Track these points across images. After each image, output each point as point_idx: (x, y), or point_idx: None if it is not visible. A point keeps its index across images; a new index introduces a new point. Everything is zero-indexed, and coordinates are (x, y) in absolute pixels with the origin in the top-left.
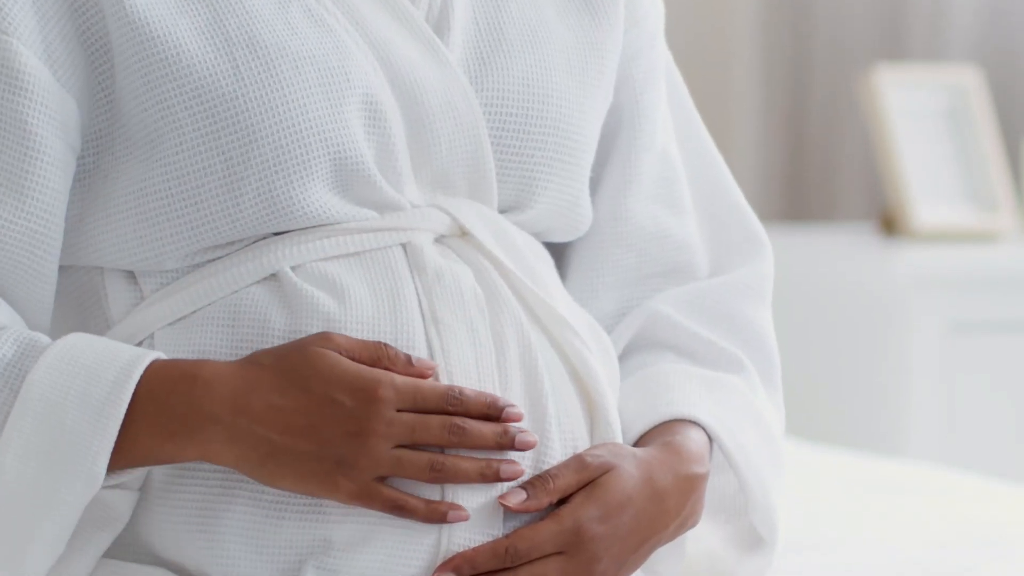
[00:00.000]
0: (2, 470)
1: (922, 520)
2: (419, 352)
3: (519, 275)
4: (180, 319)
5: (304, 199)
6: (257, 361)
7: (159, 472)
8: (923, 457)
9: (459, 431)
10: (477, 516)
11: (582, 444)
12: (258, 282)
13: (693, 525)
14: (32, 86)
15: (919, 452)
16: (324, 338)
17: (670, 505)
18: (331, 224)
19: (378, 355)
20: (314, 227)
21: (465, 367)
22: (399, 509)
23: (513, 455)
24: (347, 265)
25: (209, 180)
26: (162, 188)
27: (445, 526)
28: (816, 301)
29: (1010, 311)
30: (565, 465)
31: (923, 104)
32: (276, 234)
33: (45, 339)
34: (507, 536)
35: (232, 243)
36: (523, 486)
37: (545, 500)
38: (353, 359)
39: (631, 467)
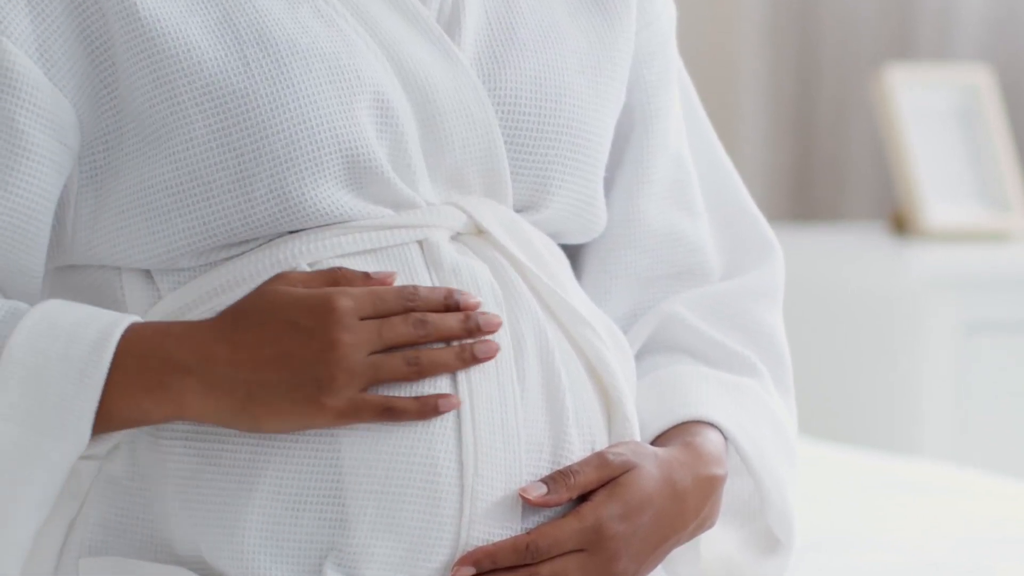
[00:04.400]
0: None
1: (936, 519)
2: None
3: (536, 271)
4: (197, 316)
5: (316, 196)
6: (223, 312)
7: (178, 468)
8: (936, 456)
9: (423, 324)
10: (496, 510)
11: (600, 439)
12: None
13: (711, 526)
14: (21, 84)
15: (932, 452)
16: (278, 276)
17: (689, 505)
18: (346, 222)
19: (334, 277)
20: (330, 224)
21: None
22: (389, 412)
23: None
24: (363, 262)
25: (220, 177)
26: (173, 184)
27: (464, 522)
28: (828, 301)
29: (1022, 311)
30: (586, 462)
31: (933, 103)
32: (291, 233)
33: (24, 306)
34: (528, 532)
35: (246, 242)
36: (544, 480)
37: (565, 495)
38: (308, 287)
39: (652, 467)
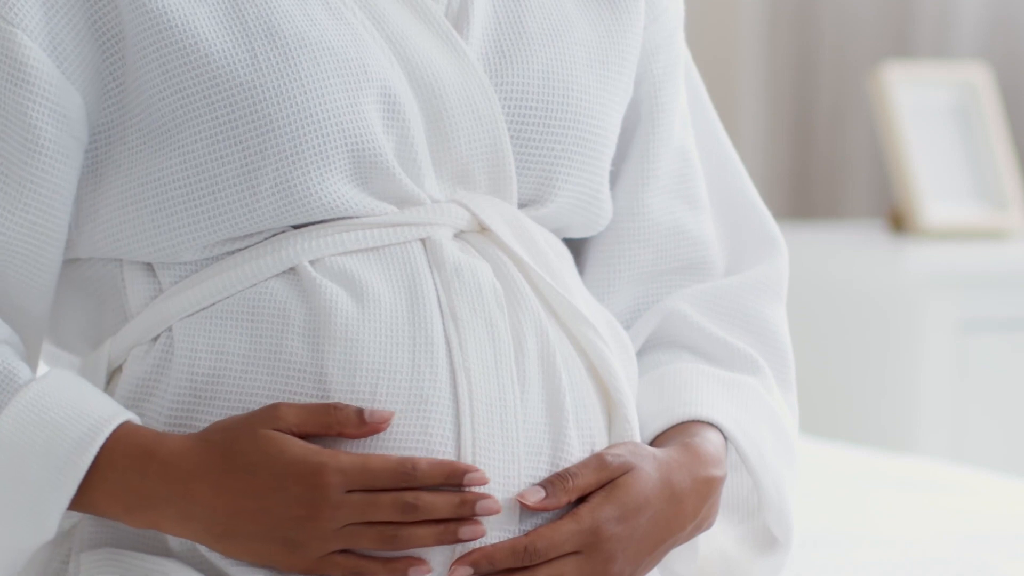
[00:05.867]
0: None
1: (933, 516)
2: (437, 348)
3: (538, 271)
4: (198, 312)
5: (321, 190)
6: (210, 440)
7: None
8: (934, 454)
9: (411, 509)
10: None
11: (600, 440)
12: (277, 276)
13: (708, 527)
14: (35, 79)
15: (930, 449)
16: (273, 416)
17: (687, 507)
18: (350, 218)
19: (328, 421)
20: (333, 221)
21: (483, 363)
22: (358, 574)
23: (527, 461)
24: (366, 260)
25: (226, 170)
26: (179, 177)
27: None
28: (826, 299)
29: (1020, 309)
30: (585, 464)
31: (932, 102)
32: (295, 228)
33: (25, 373)
34: (526, 535)
35: (250, 235)
36: (542, 484)
37: (564, 499)
38: (303, 431)
39: (650, 468)
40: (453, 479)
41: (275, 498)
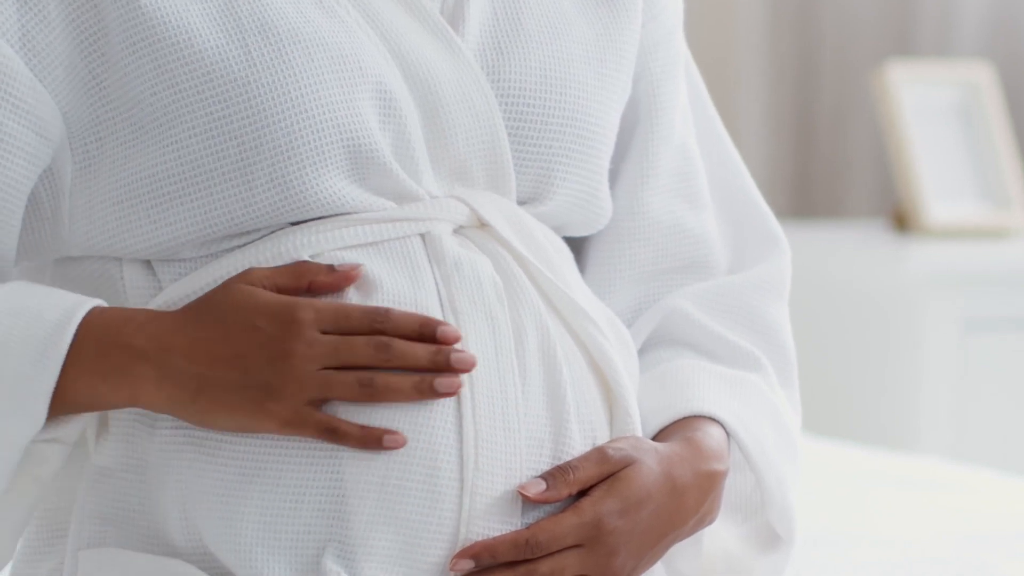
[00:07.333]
0: None
1: (934, 515)
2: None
3: (538, 265)
4: None
5: (317, 187)
6: (188, 305)
7: (177, 460)
8: (935, 453)
9: (385, 347)
10: (495, 505)
11: (601, 433)
12: None
13: (711, 522)
14: (2, 74)
15: (932, 448)
16: (245, 274)
17: (689, 501)
18: (348, 213)
19: (298, 272)
20: (332, 216)
21: (484, 356)
22: (331, 433)
23: (529, 438)
24: (366, 254)
25: (221, 164)
26: (176, 172)
27: (463, 516)
28: (828, 298)
29: (1022, 308)
30: (586, 457)
31: (934, 100)
32: (292, 224)
33: None
34: (528, 528)
35: (248, 232)
36: (543, 476)
37: (565, 491)
38: (275, 286)
39: (652, 462)
40: (426, 329)
41: (248, 340)
